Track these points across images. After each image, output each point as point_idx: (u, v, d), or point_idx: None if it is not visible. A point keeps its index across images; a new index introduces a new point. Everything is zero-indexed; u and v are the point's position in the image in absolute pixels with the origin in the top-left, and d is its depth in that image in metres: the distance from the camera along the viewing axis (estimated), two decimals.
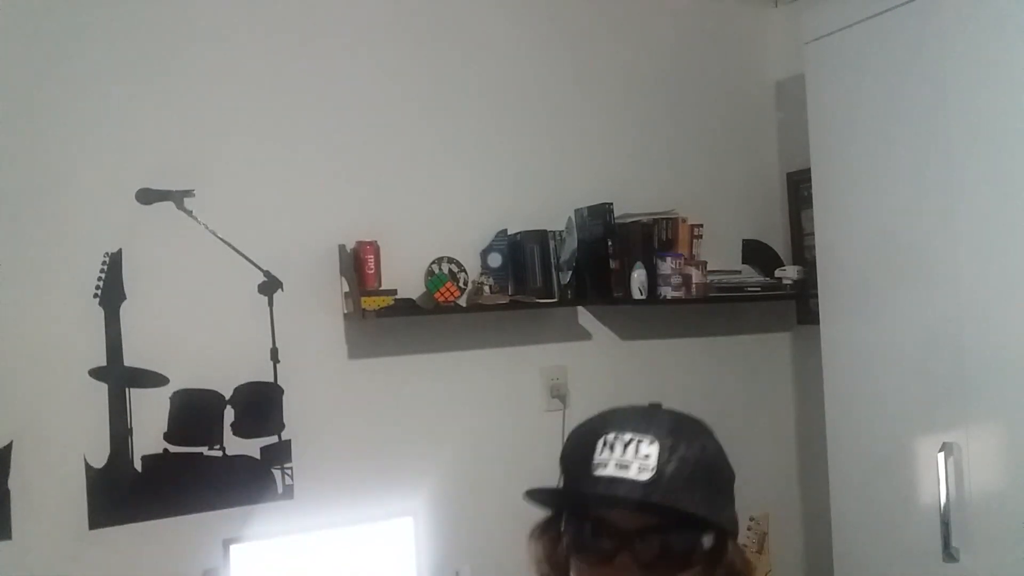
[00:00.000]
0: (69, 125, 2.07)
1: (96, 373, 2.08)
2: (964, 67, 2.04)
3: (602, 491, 0.83)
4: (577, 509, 0.88)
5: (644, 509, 0.82)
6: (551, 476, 2.93)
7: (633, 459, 0.83)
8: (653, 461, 0.83)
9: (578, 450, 0.88)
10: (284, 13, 2.34)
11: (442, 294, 2.35)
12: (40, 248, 2.04)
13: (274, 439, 2.27)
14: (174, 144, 2.19)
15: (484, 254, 2.54)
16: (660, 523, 0.83)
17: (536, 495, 0.89)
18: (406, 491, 2.37)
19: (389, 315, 2.30)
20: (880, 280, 2.28)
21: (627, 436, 0.85)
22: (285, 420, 2.29)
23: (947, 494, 2.07)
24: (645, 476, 0.82)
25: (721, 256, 2.88)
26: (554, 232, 2.58)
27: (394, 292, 2.34)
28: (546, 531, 0.95)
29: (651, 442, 0.84)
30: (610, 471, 0.83)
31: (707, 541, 0.86)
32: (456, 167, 2.55)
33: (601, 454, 0.85)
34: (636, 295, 2.58)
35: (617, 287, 2.63)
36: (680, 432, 0.87)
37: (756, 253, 3.05)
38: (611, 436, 0.86)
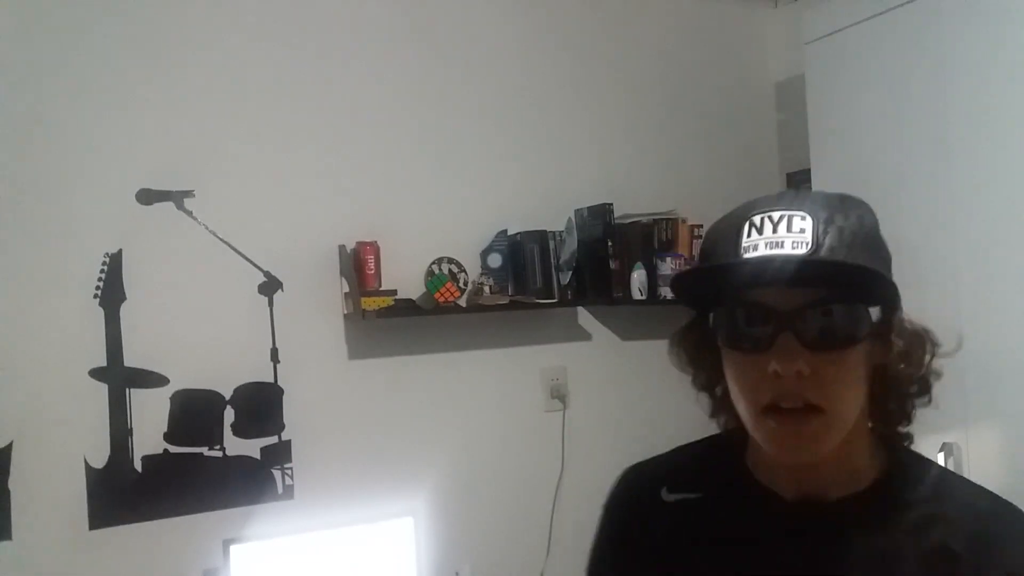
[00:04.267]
0: (69, 125, 2.07)
1: (96, 373, 2.08)
2: (964, 67, 2.04)
3: (753, 269, 0.76)
4: (727, 298, 0.80)
5: (803, 279, 0.75)
6: (551, 476, 2.92)
7: (786, 235, 0.76)
8: (808, 235, 0.75)
9: (723, 239, 0.80)
10: (284, 14, 2.34)
11: (442, 294, 2.35)
12: (40, 248, 2.04)
13: (274, 439, 2.27)
14: (174, 144, 2.19)
15: (484, 254, 2.54)
16: (823, 297, 0.76)
17: (681, 283, 0.83)
18: (406, 491, 2.37)
19: (389, 315, 2.30)
20: None
21: (776, 214, 0.77)
22: (285, 420, 2.29)
23: None
24: (802, 250, 0.75)
25: None
26: (554, 232, 2.58)
27: (394, 292, 2.35)
28: (690, 331, 0.88)
29: (803, 217, 0.77)
30: (761, 251, 0.76)
31: (875, 313, 0.79)
32: (456, 167, 2.55)
33: (749, 236, 0.77)
34: (636, 295, 2.58)
35: (617, 287, 2.63)
36: (835, 205, 0.79)
37: None
38: (758, 218, 0.78)
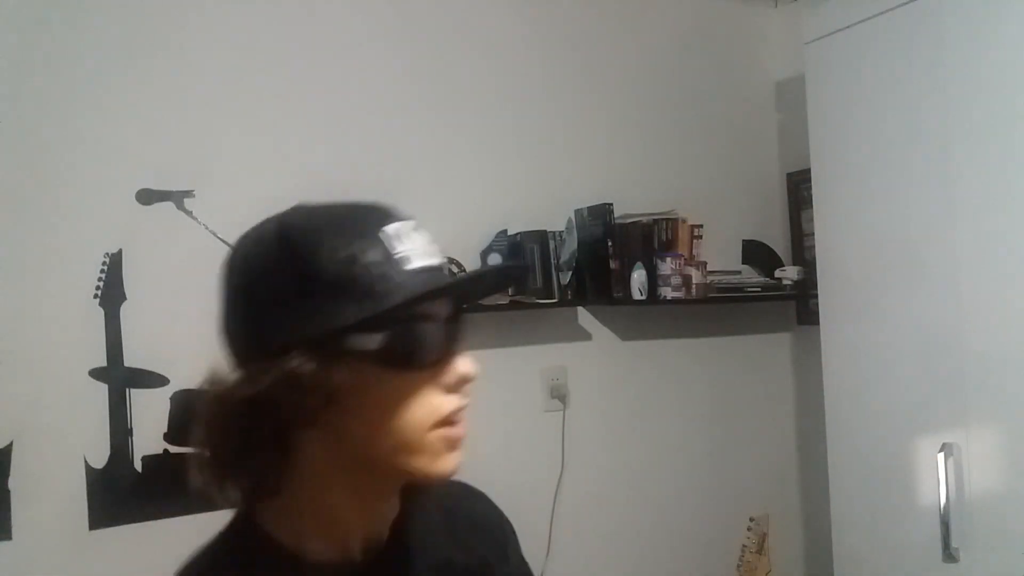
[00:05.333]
0: (69, 125, 2.07)
1: (96, 373, 2.08)
2: (964, 67, 2.04)
3: (442, 281, 0.77)
4: (400, 315, 0.73)
5: (494, 287, 0.77)
6: (551, 476, 2.90)
7: (424, 245, 0.78)
8: (431, 243, 0.79)
9: (366, 251, 0.72)
10: (284, 13, 2.34)
11: None
12: (40, 248, 2.04)
13: None
14: (174, 144, 2.19)
15: (484, 255, 2.54)
16: (458, 304, 0.81)
17: (363, 318, 0.70)
18: None
19: None
20: (880, 280, 2.28)
21: (401, 224, 0.77)
22: None
23: (947, 494, 2.07)
24: (439, 257, 0.78)
25: (721, 256, 2.88)
26: (554, 232, 2.58)
27: None
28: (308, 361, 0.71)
29: (417, 225, 0.79)
30: (421, 261, 0.75)
31: None
32: (456, 167, 2.55)
33: (401, 246, 0.75)
34: (636, 295, 2.58)
35: (617, 287, 2.63)
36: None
37: (756, 253, 3.05)
38: (393, 226, 0.75)
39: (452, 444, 0.78)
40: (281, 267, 0.73)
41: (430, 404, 0.76)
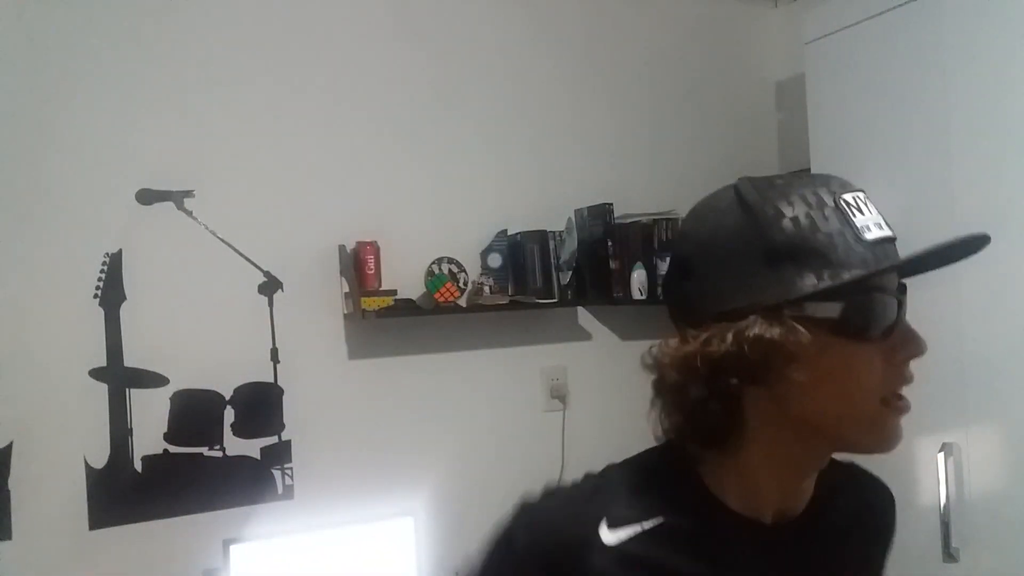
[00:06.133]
0: (69, 126, 2.08)
1: (96, 373, 2.08)
2: (964, 67, 2.04)
3: (897, 258, 0.76)
4: (865, 286, 0.74)
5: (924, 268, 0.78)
6: (551, 476, 2.92)
7: (877, 215, 0.77)
8: (880, 214, 0.78)
9: (825, 221, 0.74)
10: (284, 13, 2.34)
11: (442, 294, 2.35)
12: (40, 248, 2.04)
13: (274, 439, 2.27)
14: (174, 145, 2.19)
15: (484, 254, 2.54)
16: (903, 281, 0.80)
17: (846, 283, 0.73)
18: (406, 491, 2.37)
19: (389, 315, 2.30)
20: None
21: (853, 193, 0.77)
22: (285, 420, 2.29)
23: (947, 494, 2.07)
24: (888, 230, 0.77)
25: None
26: (554, 232, 2.58)
27: (394, 292, 2.35)
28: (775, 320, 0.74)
29: (866, 195, 0.79)
30: (876, 233, 0.75)
31: None
32: (456, 167, 2.55)
33: (855, 218, 0.75)
34: (636, 295, 2.58)
35: (617, 287, 2.63)
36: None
37: None
38: (849, 196, 0.76)
39: (897, 419, 0.78)
40: (744, 235, 0.76)
41: (880, 375, 0.76)
